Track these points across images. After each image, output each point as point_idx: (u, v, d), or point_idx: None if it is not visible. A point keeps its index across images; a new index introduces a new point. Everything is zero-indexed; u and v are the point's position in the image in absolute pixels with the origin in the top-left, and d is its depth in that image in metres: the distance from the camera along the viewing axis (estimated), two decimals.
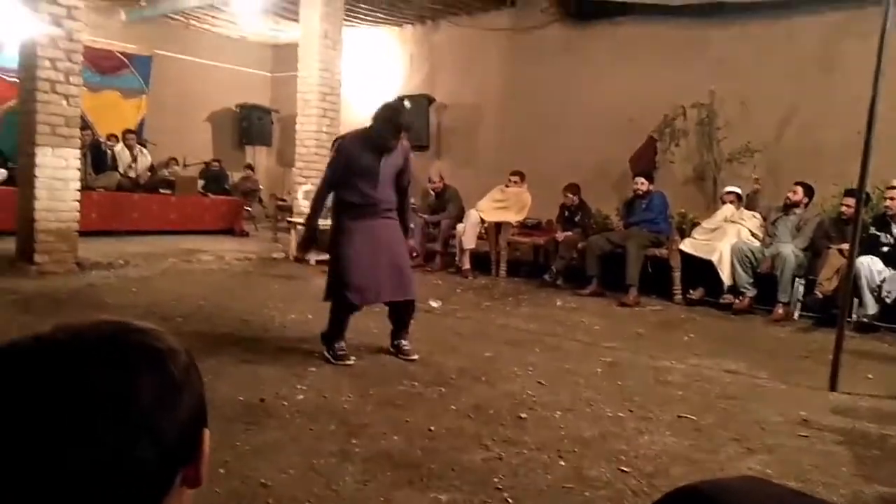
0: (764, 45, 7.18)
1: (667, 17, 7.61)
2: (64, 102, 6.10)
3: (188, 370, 0.64)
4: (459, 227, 7.86)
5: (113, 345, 0.61)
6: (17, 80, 6.45)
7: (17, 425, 0.55)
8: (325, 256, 7.58)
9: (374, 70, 10.66)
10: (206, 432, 0.66)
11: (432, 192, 8.48)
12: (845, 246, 4.95)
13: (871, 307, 5.49)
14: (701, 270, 6.45)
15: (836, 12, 6.74)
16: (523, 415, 3.29)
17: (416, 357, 4.14)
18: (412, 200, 5.18)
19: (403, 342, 4.20)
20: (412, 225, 4.77)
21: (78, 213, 6.27)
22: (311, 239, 4.25)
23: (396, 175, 4.05)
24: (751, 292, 6.19)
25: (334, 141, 4.16)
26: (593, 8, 8.02)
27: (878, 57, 3.74)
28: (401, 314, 4.20)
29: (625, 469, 2.72)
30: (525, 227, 8.05)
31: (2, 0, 6.33)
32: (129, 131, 9.95)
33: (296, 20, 8.38)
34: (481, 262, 7.88)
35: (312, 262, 7.30)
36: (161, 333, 0.64)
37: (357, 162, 3.91)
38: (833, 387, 3.90)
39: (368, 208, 3.95)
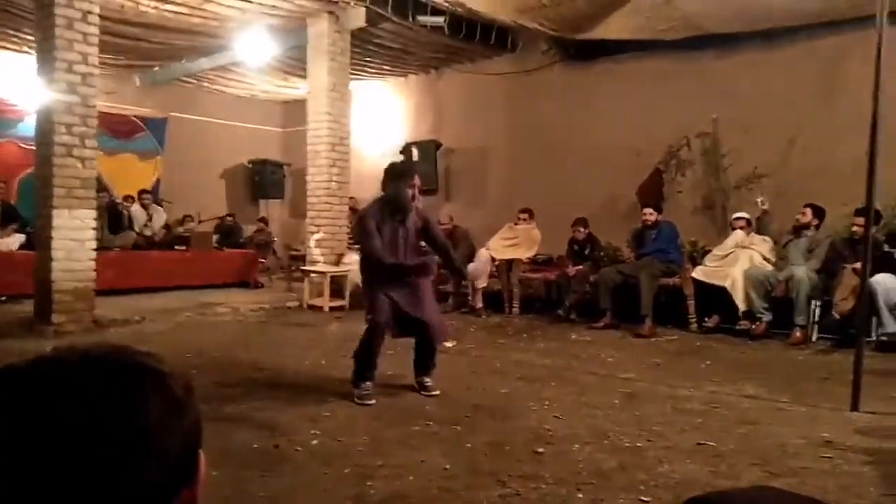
0: (763, 72, 7.27)
1: (665, 50, 7.74)
2: (79, 165, 6.27)
3: (188, 391, 0.65)
4: (471, 266, 7.87)
5: (118, 365, 0.62)
6: (35, 148, 6.65)
7: (26, 446, 0.56)
8: (341, 303, 7.69)
9: (381, 120, 10.90)
10: (202, 454, 0.67)
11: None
12: (859, 265, 4.91)
13: (890, 325, 5.40)
14: (715, 298, 6.41)
15: (834, 36, 6.81)
16: (540, 449, 3.25)
17: (437, 393, 4.19)
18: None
19: (427, 379, 4.27)
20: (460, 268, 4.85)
21: (94, 273, 6.36)
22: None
23: (425, 237, 4.22)
24: (767, 317, 6.12)
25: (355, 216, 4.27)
26: (592, 47, 8.17)
27: (876, 76, 3.79)
28: (425, 349, 4.28)
29: (645, 499, 2.67)
30: (536, 264, 8.06)
31: (21, 71, 6.58)
32: (144, 191, 10.20)
33: (304, 76, 8.61)
34: (494, 301, 7.88)
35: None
36: (160, 357, 0.65)
37: (381, 230, 4.03)
38: (855, 407, 3.82)
39: (396, 273, 4.06)
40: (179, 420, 0.62)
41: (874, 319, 5.49)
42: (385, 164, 4.30)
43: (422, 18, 7.55)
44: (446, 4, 7.41)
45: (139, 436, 0.58)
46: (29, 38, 7.91)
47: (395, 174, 4.11)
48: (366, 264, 4.20)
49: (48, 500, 0.56)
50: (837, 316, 5.61)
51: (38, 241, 6.38)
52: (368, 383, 4.10)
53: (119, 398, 0.59)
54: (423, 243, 4.36)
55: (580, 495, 2.71)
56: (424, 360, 4.30)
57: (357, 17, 7.80)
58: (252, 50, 8.46)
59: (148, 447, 0.59)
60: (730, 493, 0.73)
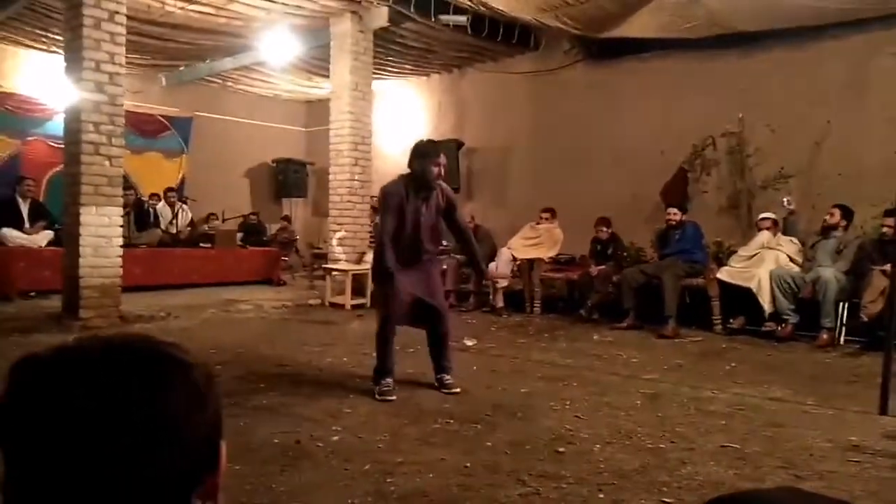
0: (790, 71, 7.15)
1: (689, 49, 7.64)
2: (107, 163, 6.36)
3: (210, 381, 0.65)
4: (492, 265, 7.86)
5: (142, 354, 0.63)
6: (63, 146, 6.76)
7: (49, 433, 0.57)
8: (362, 301, 7.71)
9: (403, 119, 10.92)
10: (223, 444, 0.67)
11: None
12: (889, 267, 4.81)
13: None
14: (740, 299, 6.31)
15: (862, 34, 6.69)
16: (561, 449, 3.23)
17: (458, 390, 4.18)
18: (444, 242, 5.24)
19: (446, 376, 4.26)
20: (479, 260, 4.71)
21: (121, 269, 6.46)
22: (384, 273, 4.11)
23: (445, 217, 4.22)
24: (793, 319, 6.02)
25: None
26: (615, 45, 8.11)
27: None
28: (437, 339, 4.28)
29: (667, 500, 2.64)
30: (558, 263, 8.02)
31: (49, 71, 6.69)
32: (170, 189, 10.34)
33: (327, 75, 8.66)
34: (515, 300, 7.85)
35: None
36: (183, 347, 0.66)
37: (403, 207, 4.04)
38: (884, 410, 3.75)
39: (413, 252, 4.11)
40: (202, 409, 0.63)
41: None
42: (406, 162, 4.29)
43: (444, 18, 7.55)
44: (469, 3, 7.40)
45: (161, 424, 0.59)
46: (57, 37, 8.05)
47: (420, 152, 4.10)
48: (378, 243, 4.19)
49: (72, 487, 0.56)
50: (865, 318, 5.50)
51: (67, 238, 6.48)
52: (389, 379, 4.11)
53: (141, 387, 0.59)
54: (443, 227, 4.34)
55: (601, 495, 2.69)
56: (441, 353, 4.29)
57: (380, 16, 7.82)
58: (276, 49, 8.53)
59: (170, 435, 0.59)
60: (755, 493, 0.70)
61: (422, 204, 4.09)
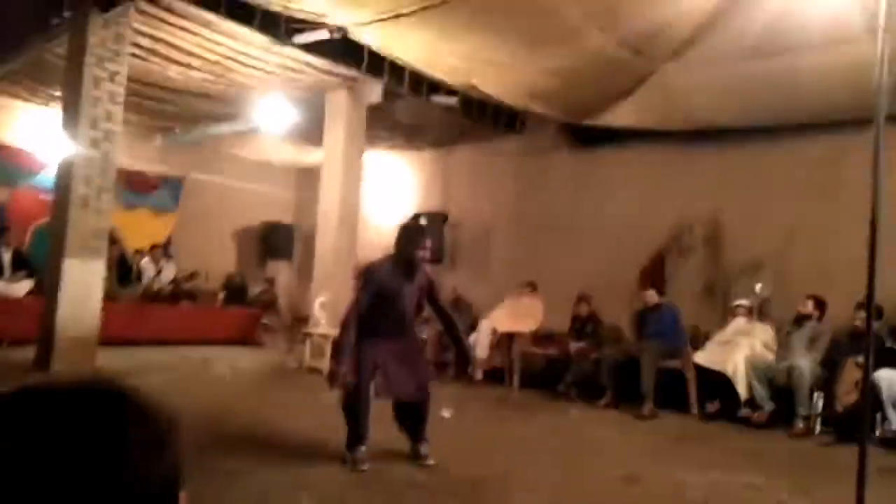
0: (763, 166, 7.39)
1: (669, 139, 7.95)
2: (95, 217, 6.39)
3: (171, 429, 0.63)
4: (472, 337, 7.87)
5: (102, 396, 0.61)
6: (52, 197, 6.80)
7: (3, 473, 0.54)
8: None
9: (392, 189, 11.14)
10: (184, 495, 0.65)
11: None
12: (861, 359, 4.89)
13: (895, 421, 5.32)
14: (717, 383, 6.34)
15: (834, 136, 6.91)
16: None
17: (432, 463, 4.10)
18: (424, 313, 5.26)
19: (422, 448, 4.18)
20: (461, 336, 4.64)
21: (99, 322, 6.39)
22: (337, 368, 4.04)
23: (428, 299, 4.27)
24: (769, 406, 6.04)
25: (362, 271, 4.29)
26: (599, 133, 8.41)
27: (874, 177, 3.90)
28: (417, 410, 4.20)
29: None
30: (538, 338, 8.04)
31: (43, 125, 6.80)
32: (155, 246, 10.32)
33: (320, 144, 8.88)
34: (494, 373, 7.82)
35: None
36: (146, 392, 0.64)
37: (386, 287, 4.07)
38: (860, 502, 3.73)
39: (393, 330, 4.11)
40: (161, 455, 0.61)
41: (878, 415, 5.42)
42: (392, 233, 4.36)
43: (436, 98, 7.83)
44: (459, 86, 7.68)
45: (118, 468, 0.57)
46: (54, 93, 8.23)
47: (408, 237, 4.18)
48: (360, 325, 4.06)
49: None
50: (840, 409, 5.54)
51: (47, 289, 6.44)
52: (363, 448, 4.02)
53: (100, 429, 0.57)
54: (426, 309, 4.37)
55: None
56: (421, 424, 4.21)
57: (374, 92, 8.10)
58: (271, 117, 8.75)
59: (127, 480, 0.57)
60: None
61: (405, 283, 4.13)
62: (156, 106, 9.12)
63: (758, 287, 6.66)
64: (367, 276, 4.13)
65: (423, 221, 10.05)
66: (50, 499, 0.54)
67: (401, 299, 4.11)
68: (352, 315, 4.01)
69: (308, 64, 7.35)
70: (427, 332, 7.45)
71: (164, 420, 0.63)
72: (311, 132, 9.50)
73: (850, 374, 5.49)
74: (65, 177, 6.44)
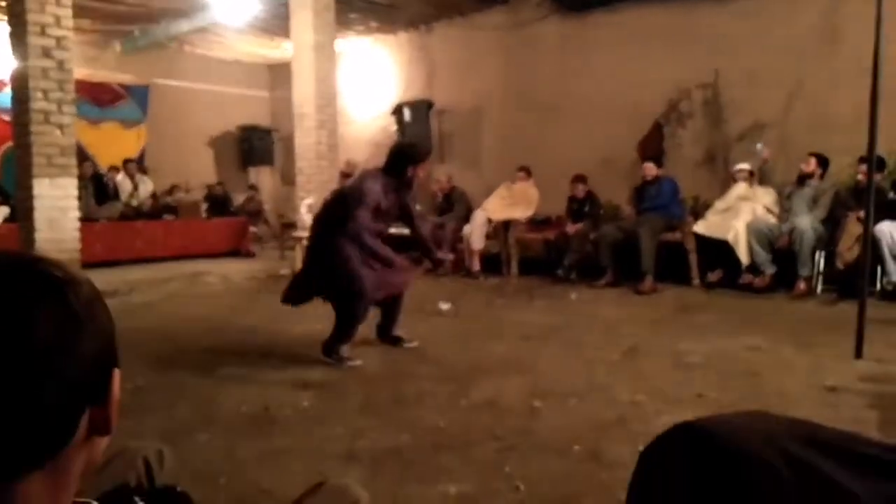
0: (764, 21, 7.00)
1: (661, 0, 7.47)
2: (58, 132, 6.07)
3: (91, 303, 0.59)
4: (467, 228, 7.74)
5: (7, 275, 0.56)
6: (11, 116, 6.43)
7: None
8: None
9: (371, 79, 10.63)
10: (117, 373, 0.61)
11: (440, 194, 8.42)
12: (863, 213, 4.76)
13: (895, 273, 5.28)
14: (718, 252, 6.26)
15: None
16: (537, 404, 3.14)
17: (415, 344, 4.25)
18: (417, 206, 5.15)
19: (398, 331, 4.35)
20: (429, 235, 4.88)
21: (79, 243, 6.21)
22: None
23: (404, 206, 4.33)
24: (770, 270, 5.99)
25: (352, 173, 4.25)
26: None
27: (877, 22, 3.62)
28: (393, 308, 4.33)
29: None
30: (534, 224, 7.90)
31: None
32: (128, 160, 9.96)
33: (288, 35, 8.33)
34: (492, 263, 7.74)
35: None
36: (61, 263, 0.59)
37: (380, 204, 4.05)
38: (859, 354, 3.72)
39: (377, 237, 4.18)
40: (78, 335, 0.56)
41: (879, 268, 5.37)
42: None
43: None
44: None
45: (27, 354, 0.53)
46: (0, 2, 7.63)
47: (409, 155, 4.19)
48: (347, 231, 3.97)
49: None
50: (841, 266, 5.48)
51: (21, 213, 6.21)
52: (345, 346, 4.00)
53: (4, 313, 0.53)
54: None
55: (577, 447, 2.61)
56: (396, 317, 4.36)
57: None
58: (232, 8, 8.17)
59: (37, 367, 0.53)
60: (718, 418, 0.67)
61: (395, 198, 4.14)
62: (108, 7, 8.49)
63: (759, 146, 6.43)
64: (365, 194, 4.01)
65: (405, 114, 9.69)
66: None
67: (390, 213, 4.20)
68: (363, 234, 3.98)
69: None
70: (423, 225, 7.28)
71: (83, 296, 0.58)
72: (278, 22, 8.91)
73: (852, 229, 5.38)
74: (21, 92, 6.06)
